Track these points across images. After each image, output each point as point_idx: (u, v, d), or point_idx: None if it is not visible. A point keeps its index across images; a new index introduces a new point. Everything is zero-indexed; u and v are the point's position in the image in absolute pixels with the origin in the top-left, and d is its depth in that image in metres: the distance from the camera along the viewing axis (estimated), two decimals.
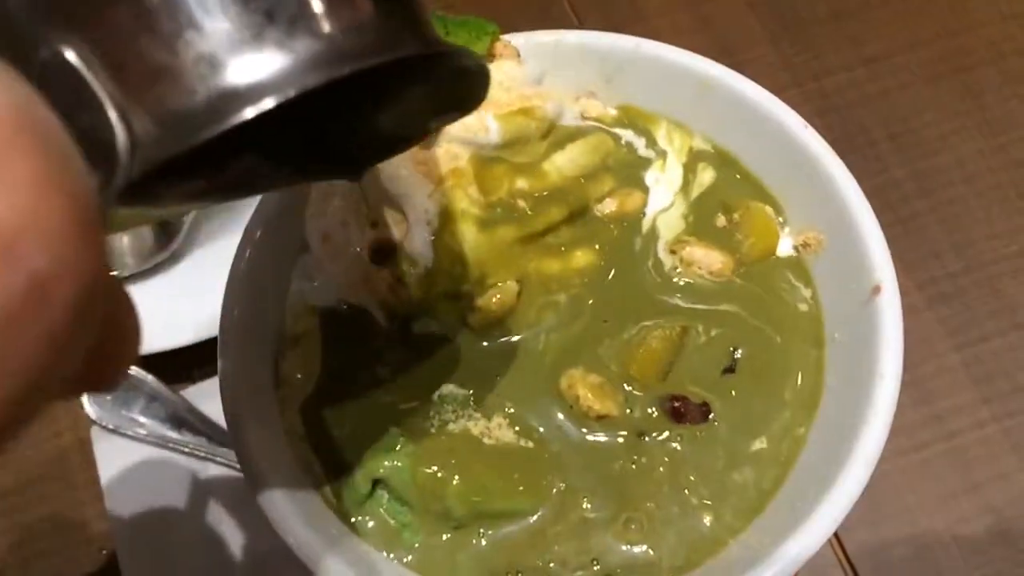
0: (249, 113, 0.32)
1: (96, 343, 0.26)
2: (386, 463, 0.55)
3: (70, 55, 0.32)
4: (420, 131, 0.48)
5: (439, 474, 0.55)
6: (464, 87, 0.42)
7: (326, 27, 0.33)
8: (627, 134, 0.65)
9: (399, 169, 0.56)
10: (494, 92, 0.59)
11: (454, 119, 0.47)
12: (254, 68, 0.32)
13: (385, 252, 0.58)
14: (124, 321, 0.32)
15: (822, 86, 0.94)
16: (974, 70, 0.94)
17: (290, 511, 0.53)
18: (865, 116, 0.92)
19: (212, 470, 0.74)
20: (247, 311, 0.59)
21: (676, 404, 0.58)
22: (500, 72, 0.59)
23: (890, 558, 0.74)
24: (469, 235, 0.58)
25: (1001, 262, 0.84)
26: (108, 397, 0.75)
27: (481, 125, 0.57)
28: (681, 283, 0.61)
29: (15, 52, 0.33)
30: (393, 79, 0.41)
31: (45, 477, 0.80)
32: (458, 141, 0.57)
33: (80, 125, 0.29)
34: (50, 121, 0.24)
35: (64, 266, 0.23)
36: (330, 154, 0.47)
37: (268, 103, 0.32)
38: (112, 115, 0.32)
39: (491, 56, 0.60)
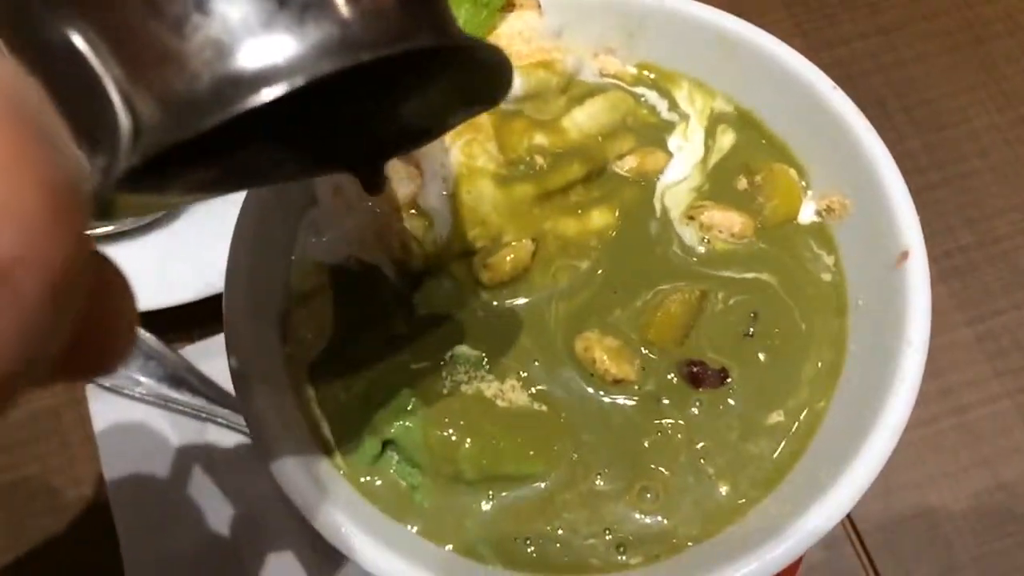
0: (255, 101, 0.30)
1: (85, 327, 0.26)
2: (397, 424, 0.54)
3: (75, 37, 0.31)
4: (442, 125, 0.45)
5: (451, 436, 0.53)
6: (486, 80, 0.40)
7: (339, 14, 0.31)
8: (648, 93, 0.64)
9: None
10: (514, 43, 0.57)
11: (477, 113, 0.45)
12: (263, 54, 0.30)
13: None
14: (117, 304, 0.30)
15: (837, 55, 0.92)
16: (991, 42, 0.92)
17: (297, 471, 0.51)
18: (880, 86, 0.91)
19: (211, 431, 0.72)
20: (253, 266, 0.57)
21: (694, 369, 0.56)
22: (520, 22, 0.57)
23: (900, 532, 0.73)
24: (486, 191, 0.56)
25: (1016, 236, 0.83)
26: None
27: None
28: (701, 247, 0.59)
29: (17, 32, 0.31)
30: (411, 71, 0.39)
31: (38, 435, 0.78)
32: None
33: (84, 110, 0.27)
34: (31, 100, 0.22)
35: (34, 251, 0.21)
36: (346, 146, 0.45)
37: (276, 91, 0.30)
38: (116, 100, 0.30)
39: (511, 5, 0.58)
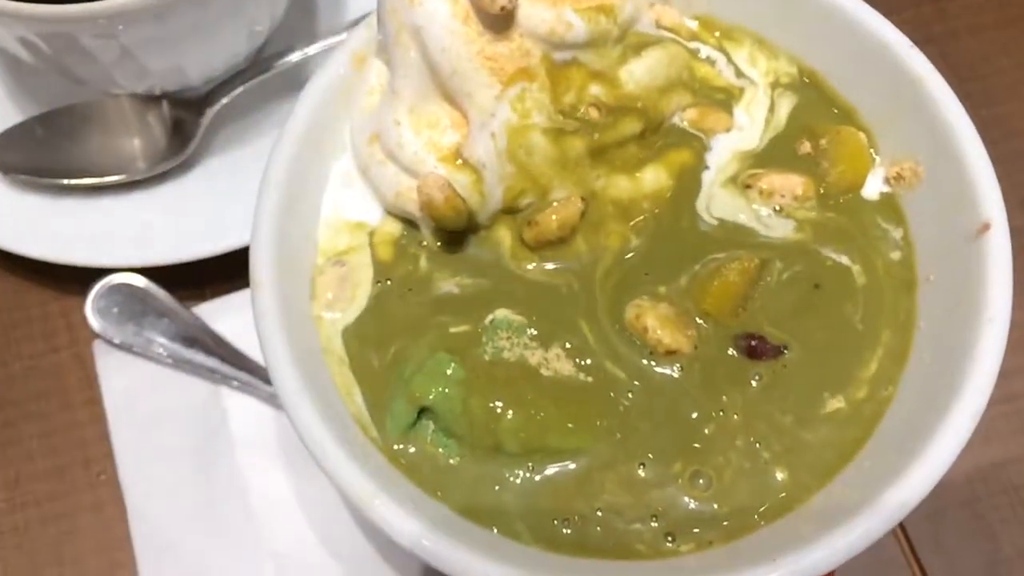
0: None
1: None
2: (436, 390, 0.50)
3: None
4: None
5: (495, 406, 0.50)
6: None
7: None
8: (706, 50, 0.60)
9: (463, 62, 0.50)
10: None
11: None
12: None
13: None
14: None
15: None
16: None
17: (327, 438, 0.47)
18: (931, 56, 0.87)
19: (225, 393, 0.68)
20: (281, 219, 0.53)
21: (753, 343, 0.52)
22: None
23: (943, 523, 0.70)
24: (537, 144, 0.52)
25: None
26: (115, 310, 0.69)
27: (561, 20, 0.50)
28: (761, 214, 0.56)
29: None
30: None
31: (40, 394, 0.75)
32: (532, 37, 0.51)
33: None
34: None
35: None
36: None
37: None
38: None
39: None
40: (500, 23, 0.50)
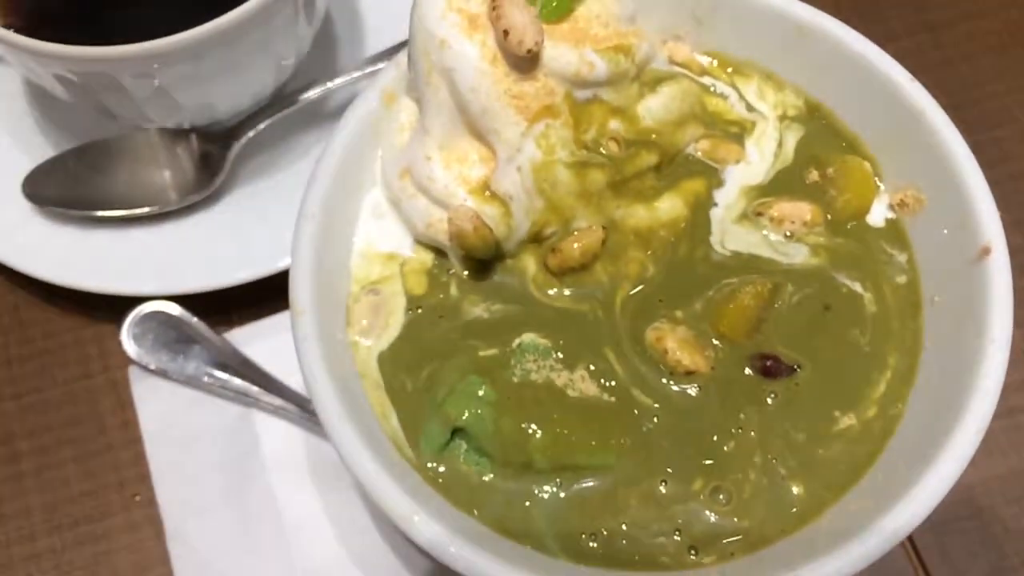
0: None
1: None
2: (468, 411, 0.53)
3: None
4: None
5: (526, 426, 0.52)
6: None
7: None
8: (717, 85, 0.63)
9: (492, 101, 0.53)
10: (592, 26, 0.56)
11: None
12: None
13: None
14: None
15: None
16: None
17: (365, 459, 0.50)
18: (927, 84, 0.90)
19: (256, 415, 0.71)
20: (318, 249, 0.55)
21: (768, 363, 0.55)
22: (599, 5, 0.55)
23: (950, 533, 0.73)
24: (560, 176, 0.55)
25: None
26: (149, 336, 0.72)
27: (584, 61, 0.53)
28: (772, 240, 0.59)
29: None
30: None
31: (75, 420, 0.77)
32: (556, 76, 0.54)
33: None
34: None
35: None
36: None
37: None
38: None
39: None
40: (526, 64, 0.53)
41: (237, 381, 0.71)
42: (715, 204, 0.60)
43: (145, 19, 0.76)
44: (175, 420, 0.71)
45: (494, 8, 0.52)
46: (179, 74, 0.68)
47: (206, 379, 0.71)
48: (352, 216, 0.59)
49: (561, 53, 0.53)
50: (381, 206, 0.60)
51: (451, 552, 0.48)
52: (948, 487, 0.48)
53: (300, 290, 0.54)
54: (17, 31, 0.68)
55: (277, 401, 0.70)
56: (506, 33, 0.51)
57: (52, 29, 0.68)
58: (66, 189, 0.78)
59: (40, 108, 0.86)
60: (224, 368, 0.72)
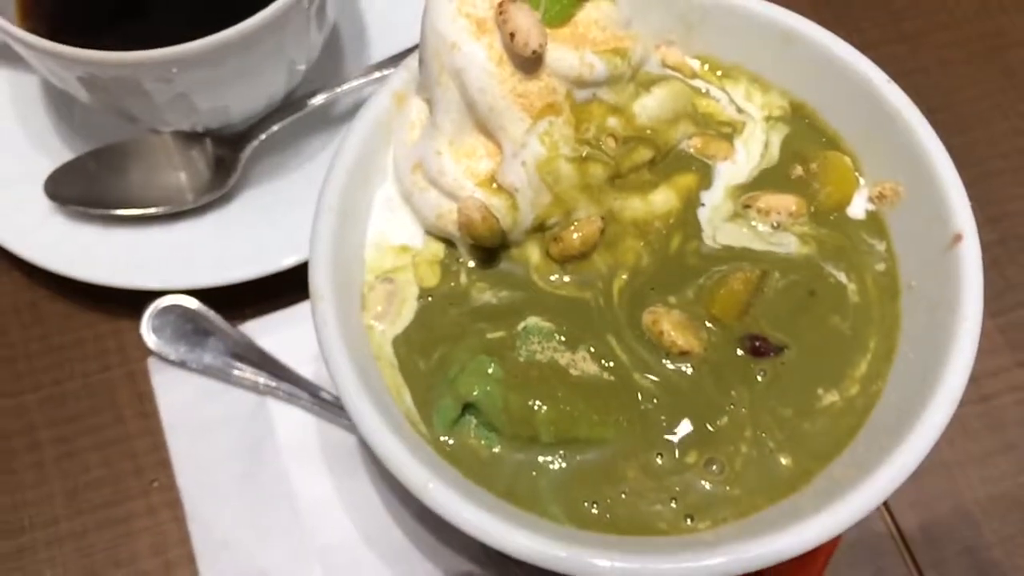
0: None
1: None
2: (479, 388, 0.56)
3: None
4: None
5: (532, 403, 0.56)
6: None
7: None
8: (708, 87, 0.67)
9: (499, 100, 0.57)
10: (591, 30, 0.60)
11: None
12: None
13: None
14: None
15: None
16: (1010, 50, 0.96)
17: (383, 434, 0.53)
18: (904, 90, 0.94)
19: (271, 403, 0.74)
20: (336, 242, 0.59)
21: (756, 343, 0.59)
22: (597, 11, 0.60)
23: (930, 512, 0.77)
24: (562, 170, 0.59)
25: None
26: (168, 329, 0.75)
27: (584, 63, 0.57)
28: (761, 228, 0.62)
29: None
30: None
31: (94, 410, 0.80)
32: (559, 76, 0.58)
33: None
34: None
35: None
36: None
37: None
38: None
39: None
40: (530, 65, 0.57)
41: (252, 371, 0.74)
42: (706, 197, 0.64)
43: (161, 25, 0.80)
44: (193, 408, 0.74)
45: (501, 12, 0.56)
46: (198, 78, 0.72)
47: (223, 369, 0.74)
48: (366, 209, 0.63)
49: (563, 55, 0.57)
50: (393, 200, 0.64)
51: (464, 516, 0.51)
52: (925, 452, 0.52)
53: (319, 278, 0.58)
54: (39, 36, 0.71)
55: (290, 389, 0.74)
56: (512, 36, 0.55)
57: (71, 34, 0.71)
58: (85, 189, 0.82)
59: (59, 113, 0.90)
60: (240, 359, 0.75)
